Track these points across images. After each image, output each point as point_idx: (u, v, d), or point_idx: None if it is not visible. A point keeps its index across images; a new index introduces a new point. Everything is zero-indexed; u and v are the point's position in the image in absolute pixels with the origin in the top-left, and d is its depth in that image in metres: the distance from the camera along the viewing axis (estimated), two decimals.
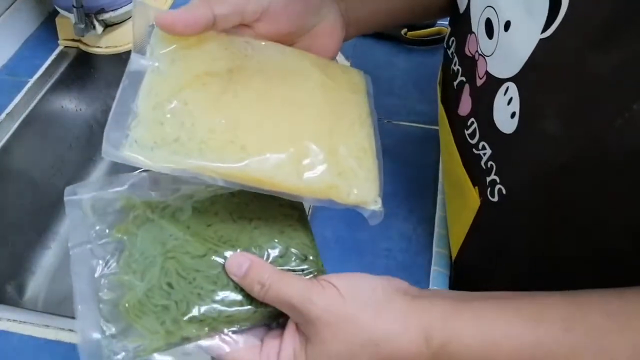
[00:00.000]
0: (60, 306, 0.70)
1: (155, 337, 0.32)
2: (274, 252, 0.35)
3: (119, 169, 0.77)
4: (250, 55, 0.38)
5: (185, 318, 0.32)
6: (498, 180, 0.35)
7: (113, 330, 0.32)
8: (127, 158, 0.31)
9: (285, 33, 0.40)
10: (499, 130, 0.34)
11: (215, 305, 0.33)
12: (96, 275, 0.34)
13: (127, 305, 0.33)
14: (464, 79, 0.40)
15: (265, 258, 0.35)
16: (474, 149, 0.37)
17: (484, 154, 0.36)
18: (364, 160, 0.37)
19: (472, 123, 0.38)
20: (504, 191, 0.34)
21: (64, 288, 0.72)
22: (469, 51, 0.38)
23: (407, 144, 0.62)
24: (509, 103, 0.32)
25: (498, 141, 0.34)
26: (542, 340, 0.29)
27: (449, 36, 0.43)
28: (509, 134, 0.33)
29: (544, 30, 0.29)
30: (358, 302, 0.31)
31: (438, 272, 0.49)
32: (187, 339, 0.33)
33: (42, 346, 0.47)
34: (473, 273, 0.45)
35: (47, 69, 0.72)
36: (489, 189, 0.36)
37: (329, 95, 0.39)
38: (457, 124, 0.41)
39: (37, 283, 0.72)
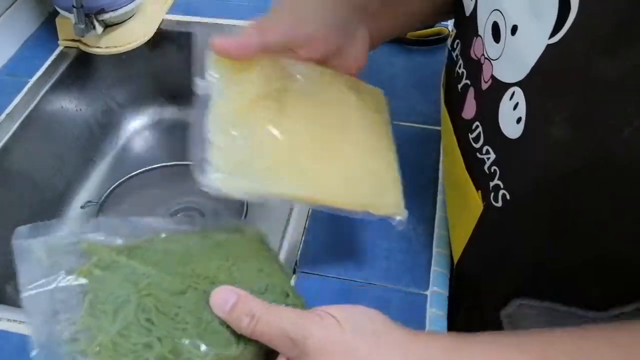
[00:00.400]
0: None
1: None
2: (255, 289, 0.34)
3: (120, 169, 0.77)
4: (296, 77, 0.42)
5: (170, 356, 0.30)
6: (502, 186, 0.34)
7: None
8: (212, 186, 0.34)
9: (322, 57, 0.43)
10: (504, 135, 0.33)
11: (201, 342, 0.31)
12: (56, 319, 0.31)
13: (97, 348, 0.30)
14: (468, 82, 0.40)
15: None
16: (477, 153, 0.37)
17: (488, 158, 0.36)
18: (393, 177, 0.43)
19: (477, 127, 0.38)
20: (507, 196, 0.34)
21: None
22: (475, 54, 0.38)
23: (407, 144, 0.62)
24: (514, 108, 0.32)
25: (503, 146, 0.34)
26: None
27: (454, 38, 0.43)
28: (514, 139, 0.32)
29: (552, 35, 0.28)
30: (357, 331, 0.30)
31: (438, 272, 0.49)
32: None
33: None
34: (474, 277, 0.45)
35: (47, 69, 0.72)
36: (492, 194, 0.35)
37: (363, 117, 0.44)
38: (461, 127, 0.41)
39: None
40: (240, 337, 0.32)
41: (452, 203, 0.47)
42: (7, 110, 0.67)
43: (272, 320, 0.31)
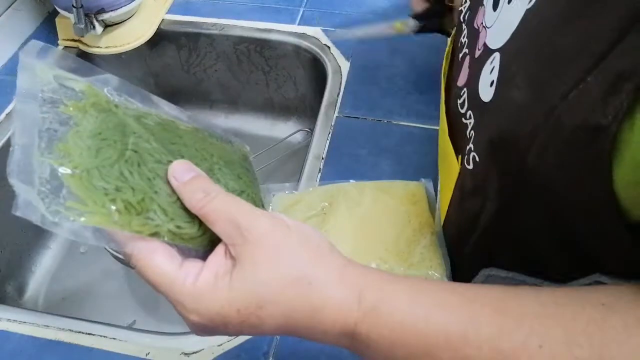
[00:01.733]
0: (60, 306, 0.70)
1: (101, 211, 0.28)
2: (230, 189, 0.34)
3: None
4: (336, 196, 0.52)
5: (137, 206, 0.29)
6: (472, 148, 0.35)
7: (50, 188, 0.28)
8: None
9: None
10: (480, 98, 0.35)
11: (169, 209, 0.30)
12: (40, 134, 0.29)
13: (71, 171, 0.29)
14: (466, 50, 0.41)
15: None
16: (463, 118, 0.38)
17: (470, 123, 0.37)
18: (432, 253, 0.48)
19: (464, 93, 0.39)
20: (477, 158, 0.34)
21: (64, 288, 0.72)
22: (476, 23, 0.39)
23: (407, 144, 0.62)
24: (491, 72, 0.33)
25: (478, 109, 0.35)
26: (474, 317, 0.28)
27: (467, 9, 0.45)
28: (486, 102, 0.33)
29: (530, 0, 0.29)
30: (302, 240, 0.30)
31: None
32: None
33: (42, 346, 0.48)
34: (451, 245, 0.46)
35: None
36: (466, 157, 0.36)
37: (398, 214, 0.51)
38: (454, 95, 0.42)
39: (37, 283, 0.72)
40: (202, 223, 0.31)
41: (441, 176, 0.48)
42: (7, 110, 0.67)
43: (225, 201, 0.30)
